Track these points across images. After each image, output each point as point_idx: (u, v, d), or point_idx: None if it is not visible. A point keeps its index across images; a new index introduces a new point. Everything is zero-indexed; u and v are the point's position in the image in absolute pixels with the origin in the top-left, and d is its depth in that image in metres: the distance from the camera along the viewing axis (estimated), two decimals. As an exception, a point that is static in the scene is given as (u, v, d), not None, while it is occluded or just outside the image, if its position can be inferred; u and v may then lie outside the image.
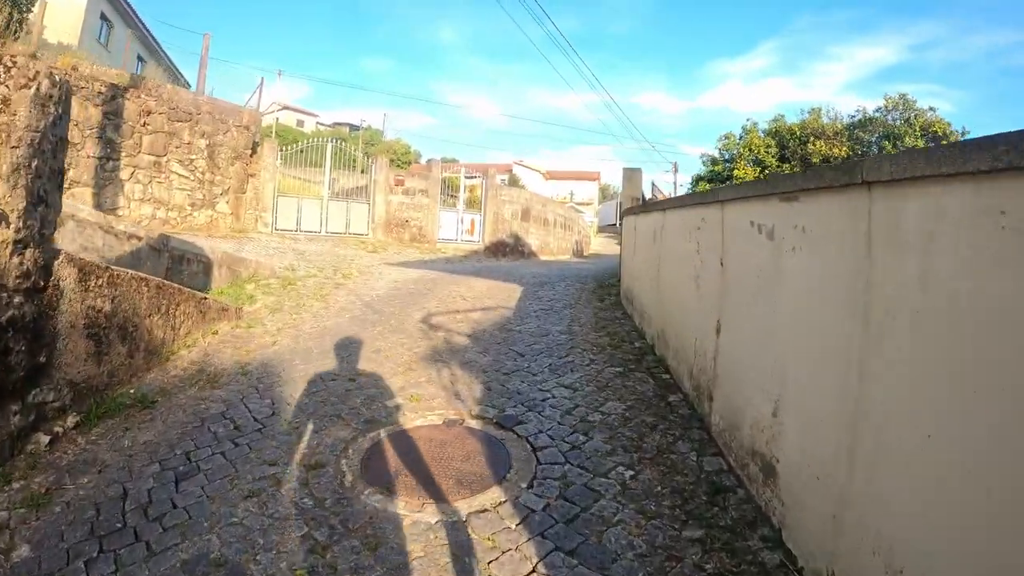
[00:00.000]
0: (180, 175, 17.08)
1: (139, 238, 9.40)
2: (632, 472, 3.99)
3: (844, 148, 21.24)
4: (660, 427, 4.70)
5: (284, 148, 20.56)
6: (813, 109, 23.04)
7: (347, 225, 21.12)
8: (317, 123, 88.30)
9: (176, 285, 6.70)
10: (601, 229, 77.05)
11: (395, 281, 11.81)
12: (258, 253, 13.77)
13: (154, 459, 4.18)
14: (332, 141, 21.69)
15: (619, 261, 12.25)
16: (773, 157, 21.89)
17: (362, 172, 22.48)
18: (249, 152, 19.06)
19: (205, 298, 7.34)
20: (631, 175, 11.93)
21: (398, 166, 52.70)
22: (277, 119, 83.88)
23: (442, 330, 7.70)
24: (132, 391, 5.32)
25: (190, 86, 43.62)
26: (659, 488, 3.80)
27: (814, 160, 21.30)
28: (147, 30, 34.11)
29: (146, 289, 5.91)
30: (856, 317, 2.49)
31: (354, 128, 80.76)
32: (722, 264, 4.33)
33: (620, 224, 12.14)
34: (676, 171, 55.18)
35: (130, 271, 5.81)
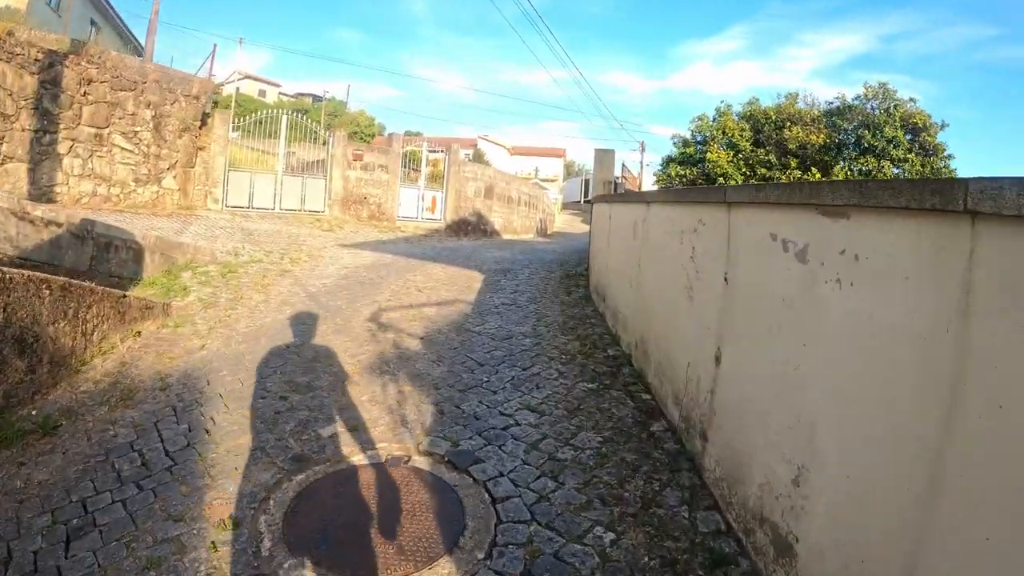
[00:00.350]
0: (124, 149, 15.87)
1: (59, 224, 8.39)
2: (613, 535, 3.27)
3: (821, 135, 20.78)
4: (643, 468, 3.98)
5: (236, 120, 19.38)
6: (790, 94, 22.58)
7: (302, 201, 20.06)
8: (280, 93, 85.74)
9: (87, 285, 5.76)
10: (565, 206, 76.34)
11: (347, 267, 10.95)
12: (202, 235, 12.81)
13: (47, 507, 3.38)
14: (288, 113, 20.53)
15: (588, 249, 11.51)
16: (747, 141, 21.35)
17: (323, 144, 21.37)
18: (198, 124, 17.87)
19: (124, 296, 6.41)
20: (603, 157, 11.17)
21: (361, 139, 51.14)
22: (238, 89, 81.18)
23: (392, 330, 6.89)
24: (34, 412, 4.45)
25: (143, 54, 41.81)
26: (646, 559, 3.09)
27: (790, 146, 20.86)
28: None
29: (48, 292, 4.99)
30: (936, 390, 1.79)
31: (317, 99, 78.47)
32: (726, 280, 3.60)
33: (591, 212, 11.40)
34: (643, 151, 54.56)
35: (27, 272, 4.89)
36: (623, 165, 21.38)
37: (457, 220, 22.85)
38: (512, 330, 7.23)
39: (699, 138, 23.21)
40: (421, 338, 6.69)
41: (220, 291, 8.41)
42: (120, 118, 15.77)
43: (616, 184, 11.51)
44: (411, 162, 22.69)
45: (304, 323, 7.10)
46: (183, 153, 17.41)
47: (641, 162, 55.42)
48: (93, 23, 32.33)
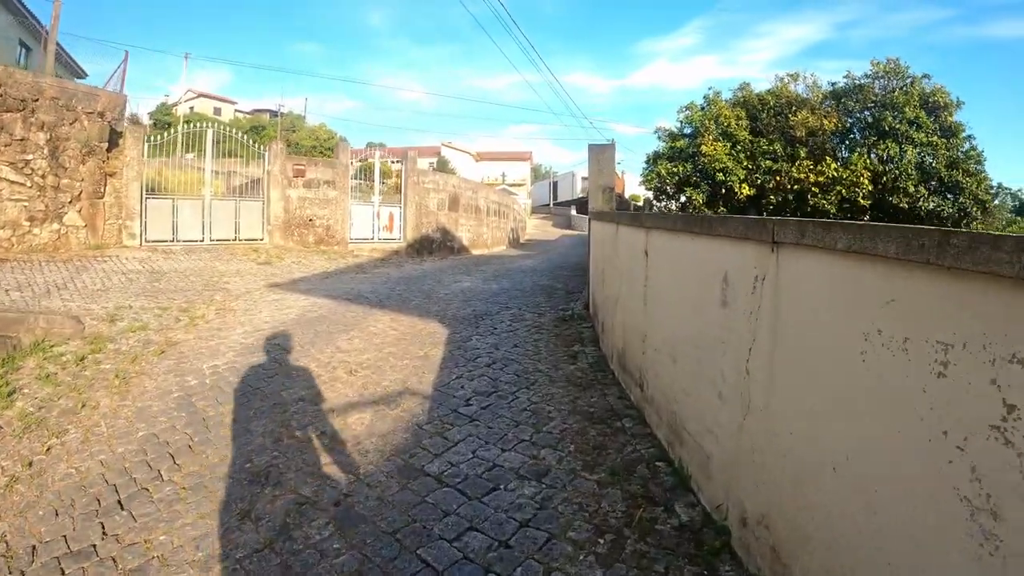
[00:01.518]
0: (12, 182, 12.67)
1: None
2: None
3: (833, 119, 18.03)
4: None
5: (151, 138, 16.16)
6: (790, 74, 19.72)
7: (236, 230, 16.87)
8: (236, 111, 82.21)
9: None
10: (535, 210, 73.61)
11: (261, 327, 7.80)
12: (88, 288, 9.80)
13: None
14: (213, 126, 17.35)
15: (588, 281, 8.54)
16: (744, 130, 18.57)
17: (260, 160, 18.17)
18: (105, 146, 14.67)
19: None
20: (600, 155, 8.20)
21: (321, 153, 47.70)
22: (192, 108, 77.81)
23: (284, 492, 3.79)
24: None
25: (84, 78, 38.04)
26: None
27: (797, 133, 18.08)
28: (31, 15, 28.48)
29: None
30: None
31: (275, 114, 75.20)
32: None
33: (588, 231, 8.43)
34: (614, 150, 51.81)
35: None
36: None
37: (419, 238, 19.76)
38: (497, 464, 4.05)
39: (688, 130, 20.34)
40: (336, 504, 3.60)
41: (60, 395, 5.32)
42: (6, 145, 12.63)
43: (620, 199, 8.57)
44: (364, 176, 19.62)
45: (150, 467, 4.00)
46: (88, 182, 14.25)
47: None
48: (24, 46, 28.84)
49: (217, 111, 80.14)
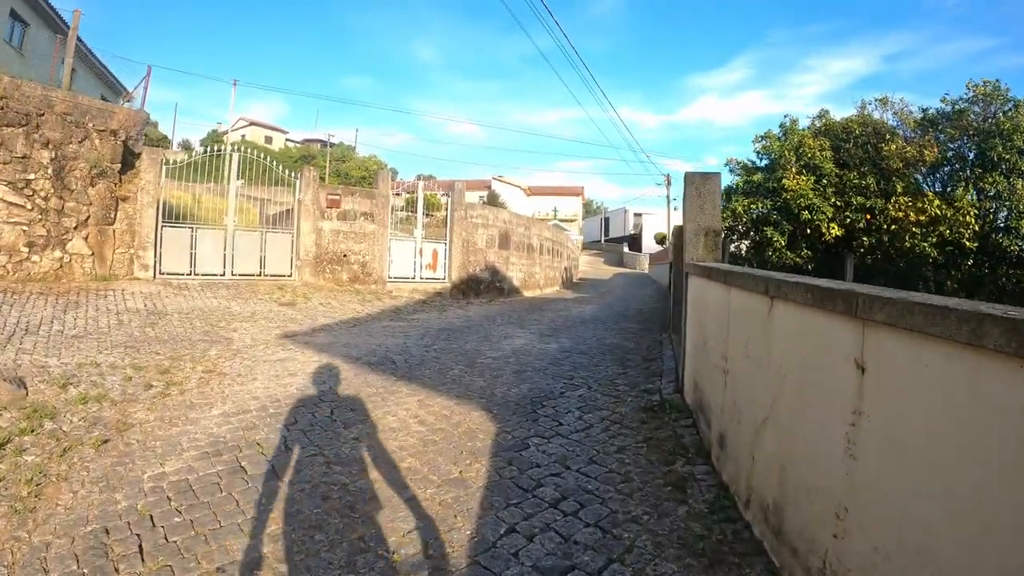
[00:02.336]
0: (9, 203, 11.32)
1: None
2: None
3: (933, 150, 15.58)
4: None
5: (170, 161, 14.66)
6: (879, 99, 17.10)
7: (262, 264, 15.18)
8: (287, 140, 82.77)
9: None
10: (585, 246, 71.61)
11: (246, 408, 5.73)
12: (70, 329, 8.09)
13: None
14: (239, 150, 15.80)
15: (682, 357, 6.29)
16: (829, 162, 16.26)
17: (290, 188, 16.54)
18: (117, 167, 13.20)
19: None
20: (701, 187, 6.06)
21: (370, 184, 46.56)
22: (243, 136, 78.29)
23: None
24: None
25: (134, 104, 37.51)
26: None
27: (892, 165, 15.68)
28: (77, 39, 27.87)
29: None
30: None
31: (325, 144, 75.01)
32: None
33: (684, 289, 6.25)
34: (669, 184, 49.74)
35: None
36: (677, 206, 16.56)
37: (465, 278, 17.82)
38: None
39: (765, 162, 18.07)
40: None
41: None
42: (4, 163, 11.26)
43: (724, 238, 6.43)
44: (408, 208, 17.89)
45: None
46: (97, 206, 12.78)
47: (668, 197, 50.51)
48: (73, 69, 28.22)
49: (268, 140, 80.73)
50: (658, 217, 60.21)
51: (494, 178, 71.27)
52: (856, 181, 15.96)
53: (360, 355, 8.25)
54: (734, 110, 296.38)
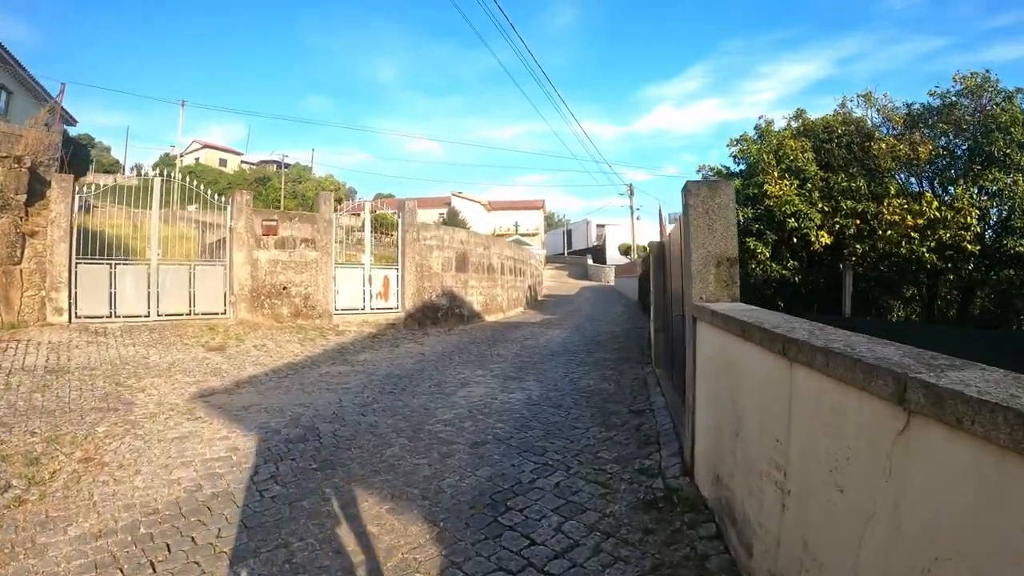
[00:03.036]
0: None
1: None
2: None
3: (927, 146, 14.35)
4: None
5: (85, 189, 12.87)
6: (863, 95, 15.74)
7: (192, 301, 13.36)
8: (242, 162, 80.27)
9: None
10: (549, 260, 70.21)
11: (108, 528, 3.99)
12: None
13: None
14: (163, 175, 14.01)
15: (688, 426, 4.67)
16: (813, 163, 15.01)
17: (223, 213, 14.78)
18: (23, 198, 11.45)
19: None
20: (709, 200, 4.57)
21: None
22: (197, 159, 75.62)
23: None
24: None
25: (75, 125, 35.08)
26: None
27: (883, 164, 14.46)
28: (12, 58, 25.63)
29: None
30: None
31: (282, 166, 72.77)
32: None
33: (693, 340, 4.69)
34: (632, 194, 48.77)
35: None
36: (662, 216, 15.18)
37: (421, 306, 16.18)
38: None
39: (742, 166, 16.78)
40: None
41: None
42: None
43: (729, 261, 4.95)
44: (353, 233, 16.25)
45: None
46: (0, 243, 11.05)
47: (631, 208, 49.48)
48: (4, 89, 26.05)
49: (223, 162, 78.24)
50: (622, 228, 59.22)
51: (453, 194, 69.73)
52: (844, 184, 14.70)
53: (280, 425, 6.57)
54: (690, 119, 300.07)
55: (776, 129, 16.90)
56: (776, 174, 14.78)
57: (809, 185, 14.88)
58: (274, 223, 14.77)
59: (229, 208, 14.19)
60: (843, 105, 16.77)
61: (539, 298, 31.35)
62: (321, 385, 8.69)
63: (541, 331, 15.82)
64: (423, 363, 10.68)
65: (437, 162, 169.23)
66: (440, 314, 16.54)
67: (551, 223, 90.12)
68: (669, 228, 14.75)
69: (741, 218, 15.28)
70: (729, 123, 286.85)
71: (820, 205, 14.70)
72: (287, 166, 73.45)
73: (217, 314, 13.64)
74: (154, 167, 62.92)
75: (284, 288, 14.59)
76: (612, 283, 46.77)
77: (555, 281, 49.43)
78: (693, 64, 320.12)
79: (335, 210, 15.62)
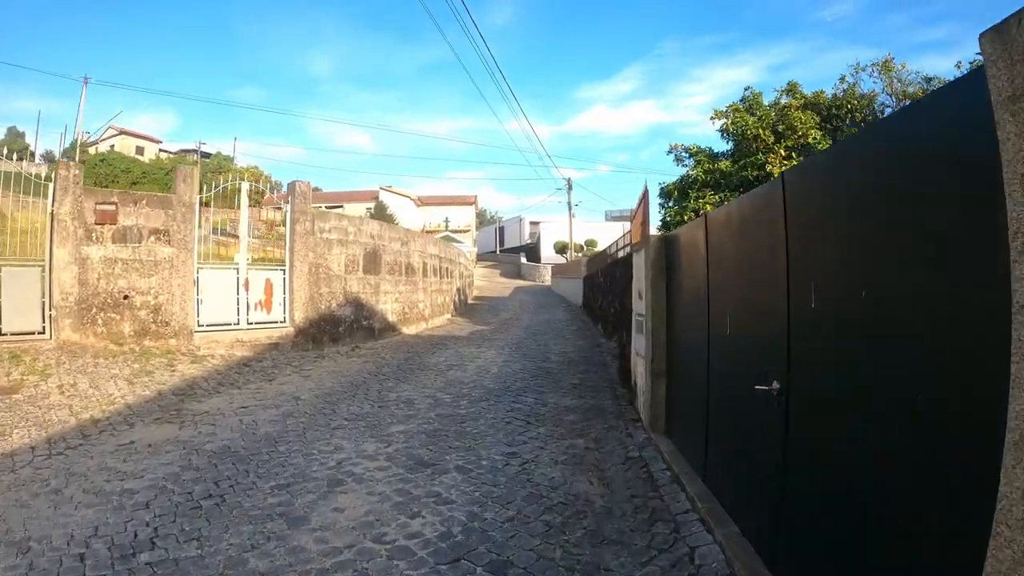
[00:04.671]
0: None
1: None
2: None
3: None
4: None
5: None
6: (881, 63, 12.92)
7: (-14, 315, 9.37)
8: (160, 150, 73.93)
9: None
10: (480, 257, 66.57)
11: None
12: None
13: None
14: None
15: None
16: (827, 141, 11.88)
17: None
18: None
19: None
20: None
21: (250, 199, 39.49)
22: (112, 146, 68.83)
23: None
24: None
25: None
26: None
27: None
28: None
29: None
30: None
31: (204, 155, 67.29)
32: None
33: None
34: (570, 189, 45.69)
35: None
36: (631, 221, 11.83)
37: (316, 318, 12.40)
38: None
39: (730, 144, 13.48)
40: None
41: None
42: None
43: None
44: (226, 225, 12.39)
45: None
46: None
47: (569, 203, 46.44)
48: None
49: (139, 150, 72.01)
50: (557, 225, 56.19)
51: (382, 188, 65.39)
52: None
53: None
54: (624, 119, 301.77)
55: (766, 103, 13.77)
56: (782, 152, 11.62)
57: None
58: (112, 208, 10.77)
59: (52, 187, 10.21)
60: (856, 71, 13.62)
61: (469, 301, 27.76)
62: (107, 475, 4.98)
63: (471, 352, 12.25)
64: (289, 420, 6.95)
65: (369, 154, 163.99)
66: (342, 328, 12.80)
67: (483, 220, 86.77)
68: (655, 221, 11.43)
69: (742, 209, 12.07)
70: (662, 124, 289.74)
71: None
72: (207, 155, 67.74)
73: (31, 334, 9.64)
74: (64, 153, 56.64)
75: (125, 297, 10.63)
76: (548, 283, 43.64)
77: (487, 281, 45.93)
78: (628, 65, 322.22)
79: (257, 204, 11.78)
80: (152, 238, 10.90)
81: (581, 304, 23.45)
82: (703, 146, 14.33)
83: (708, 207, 11.93)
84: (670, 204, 13.91)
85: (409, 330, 15.50)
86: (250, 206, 12.64)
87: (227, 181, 12.12)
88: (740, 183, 12.06)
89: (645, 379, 6.24)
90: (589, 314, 19.44)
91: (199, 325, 11.19)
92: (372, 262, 13.85)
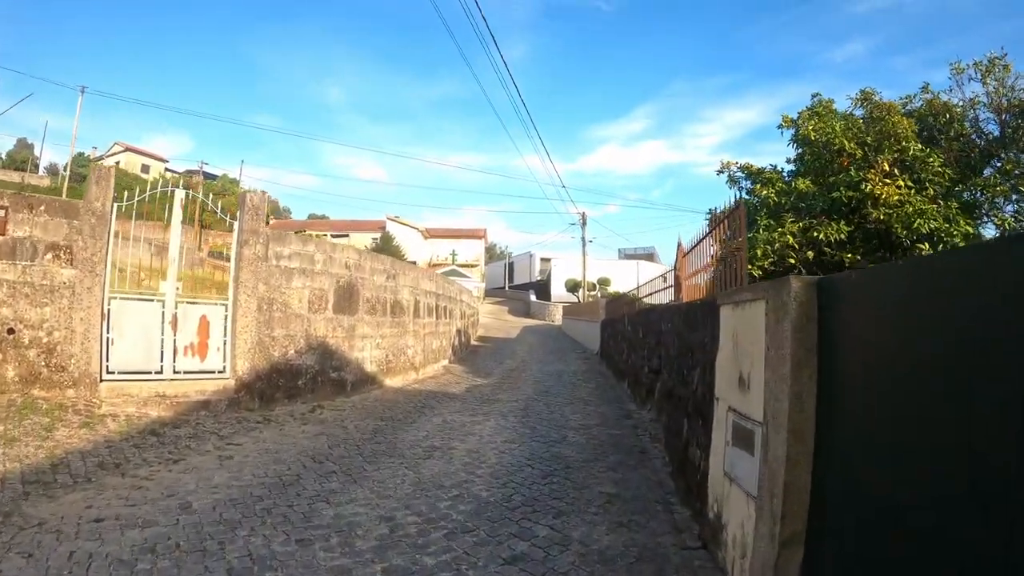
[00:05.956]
0: None
1: None
2: None
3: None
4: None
5: None
6: (982, 63, 10.27)
7: None
8: (166, 169, 72.63)
9: None
10: (488, 293, 63.90)
11: None
12: None
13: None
14: None
15: None
16: (935, 155, 9.20)
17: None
18: None
19: None
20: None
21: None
22: (118, 162, 67.08)
23: None
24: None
25: None
26: None
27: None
28: None
29: None
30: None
31: (210, 177, 65.55)
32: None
33: None
34: (584, 224, 43.22)
35: None
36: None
37: (266, 368, 9.59)
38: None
39: (802, 153, 10.51)
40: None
41: None
42: None
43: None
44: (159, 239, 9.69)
45: None
46: None
47: (583, 239, 43.91)
48: None
49: (145, 168, 70.80)
50: (568, 262, 53.50)
51: (389, 218, 63.23)
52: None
53: None
54: (634, 159, 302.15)
55: (838, 111, 11.04)
56: (886, 166, 8.86)
57: (929, 188, 9.02)
58: (1, 212, 8.15)
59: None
60: (956, 72, 10.80)
61: (472, 343, 24.91)
62: None
63: (464, 422, 9.35)
64: (143, 561, 4.13)
65: (383, 183, 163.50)
66: (302, 382, 9.99)
67: (493, 255, 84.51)
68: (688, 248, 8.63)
69: (830, 236, 9.12)
70: (670, 164, 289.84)
71: (962, 222, 8.71)
72: (211, 177, 65.99)
73: None
74: (66, 168, 54.81)
75: (10, 331, 7.93)
76: (559, 323, 40.79)
77: (493, 318, 43.13)
78: (640, 105, 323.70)
79: (204, 225, 9.14)
80: (50, 255, 8.22)
81: (598, 352, 20.55)
82: (771, 166, 11.52)
83: (790, 238, 9.08)
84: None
85: (393, 381, 12.67)
86: (194, 224, 9.99)
87: (158, 187, 9.44)
88: (829, 206, 9.29)
89: (752, 535, 3.44)
90: (610, 366, 16.56)
91: (108, 372, 8.43)
92: (347, 298, 11.08)
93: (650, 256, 61.97)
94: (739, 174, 11.80)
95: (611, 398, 11.93)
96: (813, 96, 11.50)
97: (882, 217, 8.84)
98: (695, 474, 5.14)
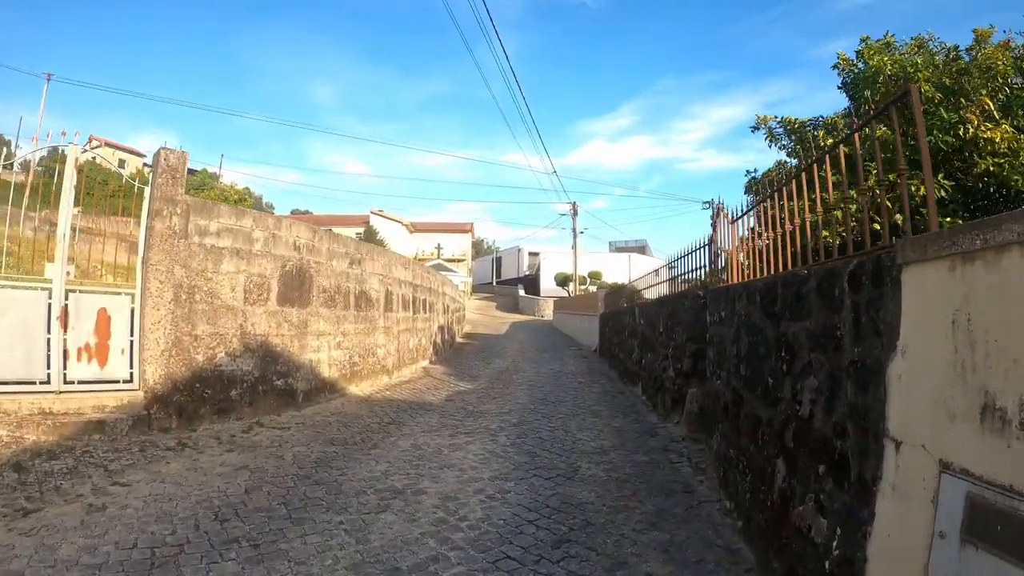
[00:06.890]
0: None
1: None
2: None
3: None
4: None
5: None
6: None
7: None
8: (144, 164, 69.69)
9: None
10: (476, 289, 61.80)
11: None
12: None
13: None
14: None
15: None
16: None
17: None
18: None
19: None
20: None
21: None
22: (94, 157, 64.34)
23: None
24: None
25: None
26: None
27: None
28: None
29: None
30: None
31: (190, 172, 63.01)
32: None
33: None
34: (576, 214, 41.32)
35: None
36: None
37: (187, 376, 7.42)
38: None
39: (868, 98, 8.39)
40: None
41: None
42: None
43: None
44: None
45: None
46: None
47: (574, 229, 41.98)
48: None
49: (122, 163, 67.85)
50: (559, 256, 51.51)
51: (373, 212, 60.83)
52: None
53: None
54: (621, 154, 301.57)
55: (897, 49, 9.06)
56: (990, 103, 6.90)
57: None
58: None
59: None
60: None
61: (458, 340, 22.81)
62: None
63: (440, 446, 7.23)
64: None
65: (368, 177, 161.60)
66: (237, 392, 7.86)
67: (480, 250, 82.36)
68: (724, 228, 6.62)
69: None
70: (657, 160, 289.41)
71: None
72: (192, 172, 63.55)
73: None
74: (40, 162, 52.40)
75: None
76: (549, 318, 38.83)
77: (481, 314, 41.10)
78: (626, 101, 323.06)
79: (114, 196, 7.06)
80: None
81: (597, 349, 18.51)
82: (817, 117, 9.46)
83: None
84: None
85: (359, 388, 10.56)
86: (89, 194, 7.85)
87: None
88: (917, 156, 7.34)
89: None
90: (614, 365, 14.52)
91: (-33, 385, 6.31)
92: (296, 286, 8.95)
93: (642, 249, 60.24)
94: (779, 129, 9.76)
95: (624, 406, 9.87)
96: (862, 40, 9.48)
97: (991, 168, 6.87)
98: (816, 556, 3.08)
